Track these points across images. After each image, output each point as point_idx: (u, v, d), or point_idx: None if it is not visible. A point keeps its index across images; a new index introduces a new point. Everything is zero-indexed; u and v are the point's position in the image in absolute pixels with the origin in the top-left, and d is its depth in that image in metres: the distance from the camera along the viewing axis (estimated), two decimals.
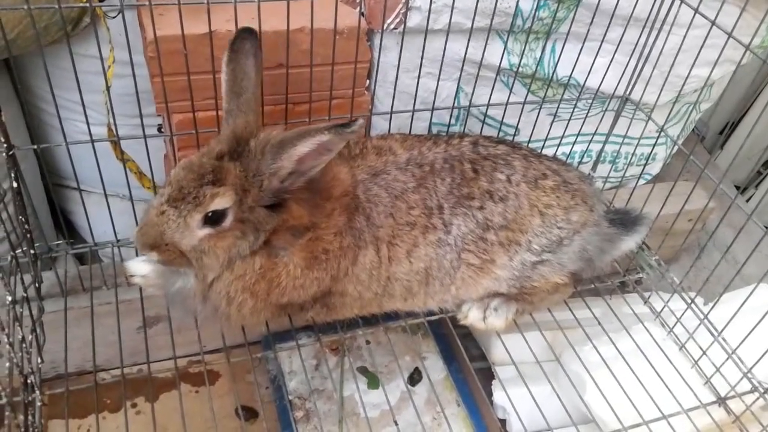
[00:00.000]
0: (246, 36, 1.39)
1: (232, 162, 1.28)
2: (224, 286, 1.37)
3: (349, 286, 1.49)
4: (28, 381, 1.37)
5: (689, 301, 1.81)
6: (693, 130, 2.69)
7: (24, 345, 1.39)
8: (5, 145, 1.45)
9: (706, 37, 1.68)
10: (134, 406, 1.84)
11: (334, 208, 1.42)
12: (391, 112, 1.83)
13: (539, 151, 2.10)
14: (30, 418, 1.32)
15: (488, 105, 1.92)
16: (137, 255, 1.58)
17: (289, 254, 1.38)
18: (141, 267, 1.50)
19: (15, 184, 1.50)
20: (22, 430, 1.24)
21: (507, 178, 1.57)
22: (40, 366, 1.51)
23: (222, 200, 1.26)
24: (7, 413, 1.09)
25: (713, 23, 1.61)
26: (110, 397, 1.82)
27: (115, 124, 1.61)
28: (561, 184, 1.63)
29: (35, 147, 1.62)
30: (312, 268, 1.41)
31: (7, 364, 1.21)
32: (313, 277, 1.42)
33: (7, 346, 1.18)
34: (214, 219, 1.28)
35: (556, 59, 1.92)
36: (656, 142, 2.25)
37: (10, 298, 1.34)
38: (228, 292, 1.38)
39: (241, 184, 1.28)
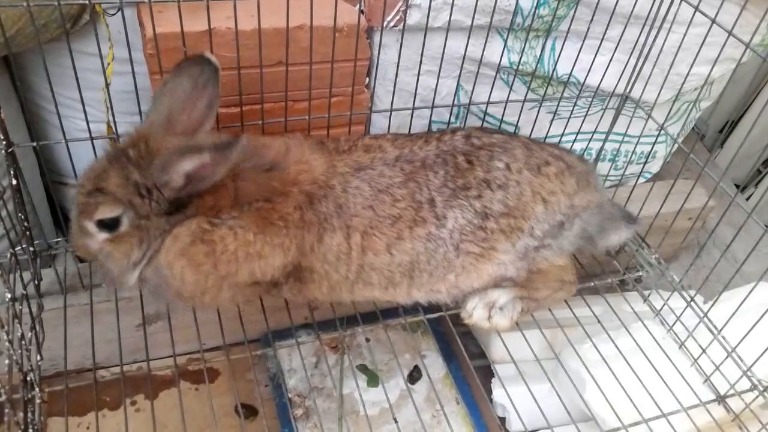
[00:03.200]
0: (198, 62, 1.36)
1: (117, 168, 1.29)
2: (164, 254, 1.35)
3: (316, 264, 1.46)
4: (28, 378, 1.37)
5: (689, 300, 1.81)
6: (693, 128, 2.68)
7: (23, 342, 1.39)
8: (4, 143, 1.45)
9: (706, 36, 1.68)
10: (134, 403, 1.84)
11: (292, 191, 1.40)
12: (391, 110, 1.83)
13: None
14: (29, 415, 1.32)
15: (488, 103, 1.92)
16: None
17: (234, 219, 1.35)
18: None
19: (14, 182, 1.50)
20: (22, 427, 1.24)
21: (506, 166, 1.56)
22: (39, 363, 1.51)
23: (105, 210, 1.28)
24: (6, 410, 1.09)
25: (713, 21, 1.61)
26: (110, 394, 1.82)
27: (115, 122, 1.61)
28: (565, 169, 1.61)
29: (34, 144, 1.62)
30: (267, 232, 1.37)
31: (7, 362, 1.21)
32: (273, 243, 1.38)
33: (7, 344, 1.18)
34: (109, 225, 1.31)
35: (556, 57, 1.92)
36: (656, 140, 2.25)
37: (9, 296, 1.34)
38: (168, 260, 1.35)
39: (125, 193, 1.28)
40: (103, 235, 1.32)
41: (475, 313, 1.66)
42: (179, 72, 1.36)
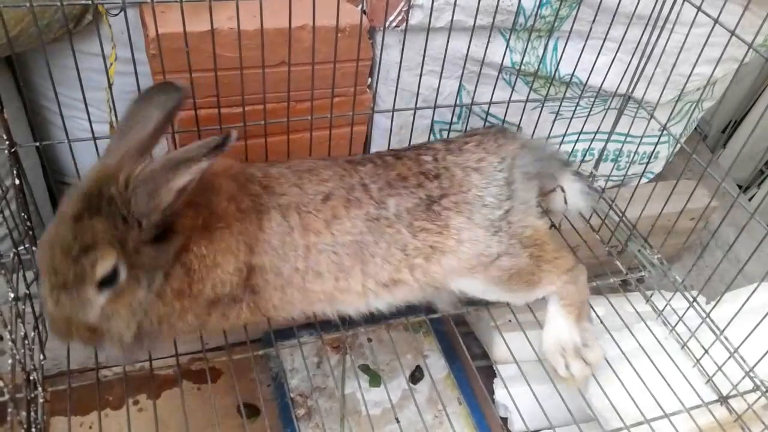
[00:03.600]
0: (166, 89, 1.32)
1: (93, 218, 1.16)
2: (154, 305, 1.27)
3: (265, 259, 1.39)
4: (31, 378, 1.37)
5: (691, 300, 1.80)
6: (695, 128, 2.68)
7: (26, 342, 1.39)
8: (8, 143, 1.45)
9: (709, 36, 1.68)
10: (136, 403, 1.84)
11: (220, 182, 1.36)
12: (393, 110, 1.83)
13: None
14: (32, 414, 1.33)
15: (490, 103, 1.92)
16: None
17: (193, 240, 1.30)
18: None
19: (17, 182, 1.50)
20: (25, 426, 1.25)
21: (433, 158, 1.61)
22: (42, 363, 1.51)
23: (105, 263, 1.16)
24: (9, 410, 1.10)
25: (716, 21, 1.61)
26: (112, 394, 1.82)
27: (117, 122, 1.61)
28: (481, 139, 1.68)
29: (37, 144, 1.62)
30: (214, 239, 1.31)
31: (10, 361, 1.21)
32: (221, 248, 1.32)
33: (10, 343, 1.19)
34: (108, 281, 1.18)
35: (559, 57, 1.92)
36: (659, 140, 2.25)
37: (12, 295, 1.34)
38: (159, 310, 1.28)
39: (114, 234, 1.17)
40: (104, 297, 1.19)
41: (575, 370, 1.59)
42: (148, 101, 1.30)
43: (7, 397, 1.12)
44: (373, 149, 2.08)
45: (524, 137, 1.81)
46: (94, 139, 1.56)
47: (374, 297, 1.53)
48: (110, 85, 1.57)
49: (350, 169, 1.53)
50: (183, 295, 1.30)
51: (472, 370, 1.79)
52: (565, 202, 1.81)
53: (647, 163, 2.36)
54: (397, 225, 1.49)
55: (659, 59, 1.89)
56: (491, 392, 1.85)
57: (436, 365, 2.02)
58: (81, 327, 1.21)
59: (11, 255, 1.51)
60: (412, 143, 1.92)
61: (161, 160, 1.16)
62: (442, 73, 1.80)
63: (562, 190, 1.79)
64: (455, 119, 2.04)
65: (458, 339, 1.79)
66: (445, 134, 2.07)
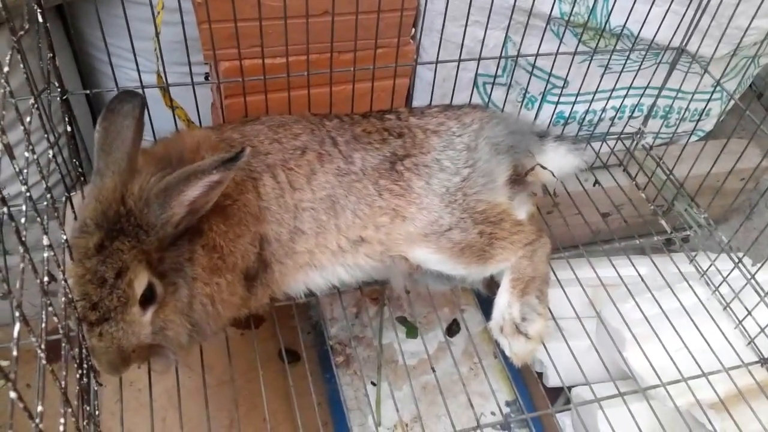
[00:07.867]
0: (126, 98, 1.32)
1: (115, 241, 1.19)
2: (198, 289, 1.31)
3: (268, 227, 1.45)
4: None
5: (736, 261, 1.77)
6: (750, 85, 2.58)
7: None
8: (59, 90, 1.49)
9: None
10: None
11: (203, 158, 1.36)
12: (437, 62, 1.80)
13: (588, 104, 2.06)
14: (84, 351, 1.39)
15: (537, 55, 1.87)
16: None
17: (207, 222, 1.35)
18: None
19: (69, 128, 1.54)
20: (77, 362, 1.30)
21: (396, 117, 1.67)
22: None
23: (141, 280, 1.19)
24: (63, 344, 1.15)
25: None
26: None
27: (165, 72, 1.64)
28: (445, 108, 1.73)
29: (87, 92, 1.66)
30: (229, 216, 1.37)
31: (63, 299, 1.26)
32: (236, 222, 1.38)
33: (63, 283, 1.23)
34: (149, 297, 1.22)
35: (610, 8, 1.85)
36: (711, 97, 2.17)
37: (64, 238, 1.39)
38: (204, 291, 1.32)
39: (140, 250, 1.20)
40: (149, 312, 1.23)
41: (516, 348, 1.57)
42: (112, 113, 1.30)
43: (61, 333, 1.16)
44: (415, 103, 2.07)
45: (497, 111, 1.80)
46: (142, 87, 1.59)
47: (344, 259, 1.56)
48: (157, 35, 1.59)
49: (318, 123, 1.59)
50: (221, 270, 1.35)
51: None
52: (553, 175, 1.77)
53: (698, 120, 2.29)
54: (365, 181, 1.54)
55: (716, 11, 1.81)
56: None
57: (473, 319, 2.04)
58: (136, 348, 1.24)
59: (63, 199, 1.56)
60: (454, 97, 1.91)
61: (175, 173, 1.21)
62: (488, 23, 1.76)
63: (542, 167, 1.76)
64: (500, 72, 2.01)
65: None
66: (489, 88, 2.04)
